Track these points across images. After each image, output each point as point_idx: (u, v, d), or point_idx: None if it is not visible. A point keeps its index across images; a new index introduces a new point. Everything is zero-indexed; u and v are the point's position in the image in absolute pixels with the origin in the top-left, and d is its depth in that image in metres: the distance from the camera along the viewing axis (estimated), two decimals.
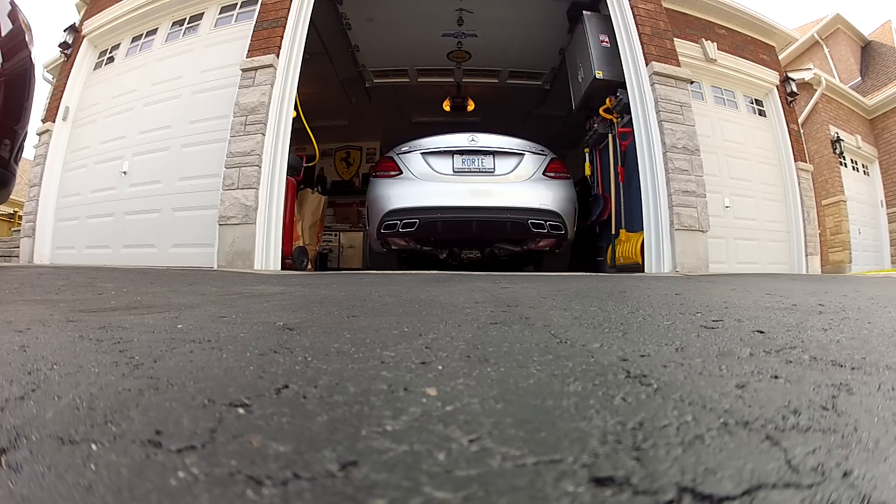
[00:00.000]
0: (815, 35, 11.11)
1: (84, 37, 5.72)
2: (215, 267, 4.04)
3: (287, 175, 4.35)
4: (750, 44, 6.09)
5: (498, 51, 6.77)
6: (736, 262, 5.31)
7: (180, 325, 1.13)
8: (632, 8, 4.65)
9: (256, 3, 4.66)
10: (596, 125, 5.39)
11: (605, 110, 5.08)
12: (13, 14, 2.25)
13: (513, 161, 4.16)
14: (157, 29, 5.37)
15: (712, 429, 0.52)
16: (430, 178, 4.04)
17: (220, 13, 5.06)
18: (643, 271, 4.33)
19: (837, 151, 7.77)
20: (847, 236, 7.48)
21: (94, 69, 5.73)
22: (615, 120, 5.03)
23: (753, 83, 6.03)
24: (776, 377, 0.74)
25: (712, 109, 5.61)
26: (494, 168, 4.12)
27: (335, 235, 8.53)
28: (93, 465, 0.44)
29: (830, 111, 8.12)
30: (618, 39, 4.77)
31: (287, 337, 1.00)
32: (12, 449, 0.48)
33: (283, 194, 4.28)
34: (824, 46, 11.12)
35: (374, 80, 7.61)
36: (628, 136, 4.72)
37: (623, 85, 4.70)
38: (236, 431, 0.50)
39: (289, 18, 4.47)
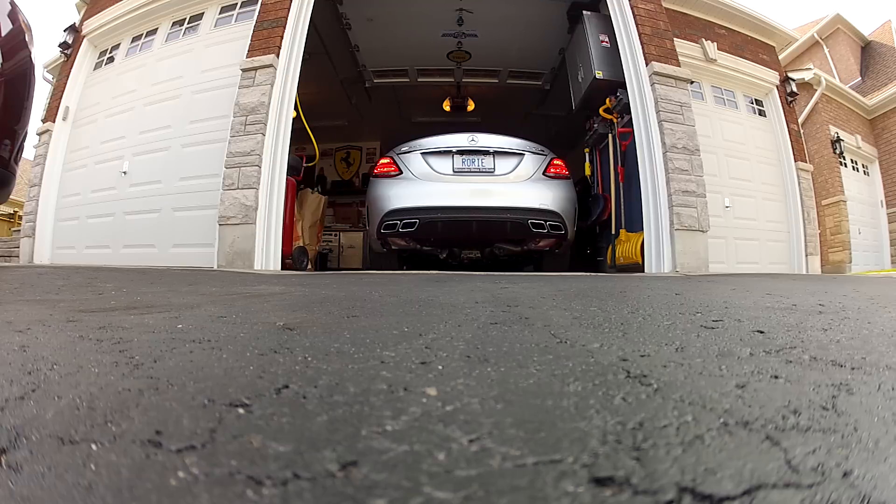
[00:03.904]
0: (815, 35, 11.11)
1: (84, 37, 5.72)
2: (215, 267, 4.04)
3: (287, 175, 4.35)
4: (750, 44, 6.09)
5: (498, 51, 6.77)
6: (736, 262, 5.31)
7: (180, 325, 1.13)
8: (632, 8, 4.65)
9: (256, 3, 4.66)
10: (596, 125, 5.39)
11: (605, 110, 5.08)
12: (13, 14, 2.25)
13: (513, 161, 4.15)
14: (157, 29, 5.37)
15: (712, 429, 0.52)
16: (430, 178, 4.04)
17: (220, 13, 5.06)
18: (643, 271, 4.33)
19: (837, 151, 7.77)
20: (847, 236, 7.48)
21: (94, 69, 5.73)
22: (615, 120, 5.03)
23: (753, 83, 6.03)
24: (776, 377, 0.74)
25: (712, 109, 5.61)
26: (494, 168, 4.12)
27: (335, 235, 8.53)
28: (93, 465, 0.44)
29: (830, 111, 8.12)
30: (618, 39, 4.77)
31: (287, 337, 1.00)
32: (12, 449, 0.48)
33: (283, 194, 4.29)
34: (824, 46, 11.11)
35: (374, 80, 7.61)
36: (628, 136, 4.72)
37: (623, 85, 4.70)
38: (236, 431, 0.50)
39: (289, 18, 4.47)
